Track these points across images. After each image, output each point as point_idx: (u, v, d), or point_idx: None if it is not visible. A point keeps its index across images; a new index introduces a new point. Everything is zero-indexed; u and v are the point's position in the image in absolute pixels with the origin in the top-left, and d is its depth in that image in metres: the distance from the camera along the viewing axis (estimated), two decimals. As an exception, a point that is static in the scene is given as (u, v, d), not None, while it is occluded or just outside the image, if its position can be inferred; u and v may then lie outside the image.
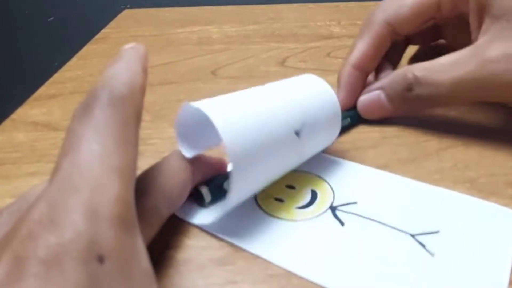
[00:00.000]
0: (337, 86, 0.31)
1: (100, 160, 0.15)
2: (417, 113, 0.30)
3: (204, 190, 0.22)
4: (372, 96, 0.29)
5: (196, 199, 0.22)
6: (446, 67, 0.25)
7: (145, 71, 0.19)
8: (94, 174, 0.14)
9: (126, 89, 0.17)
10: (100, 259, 0.13)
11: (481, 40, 0.25)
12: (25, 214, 0.14)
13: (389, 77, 0.28)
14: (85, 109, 0.16)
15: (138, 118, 0.17)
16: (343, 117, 0.28)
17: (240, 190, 0.20)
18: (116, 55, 0.19)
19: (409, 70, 0.27)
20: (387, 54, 0.32)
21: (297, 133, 0.22)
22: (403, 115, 0.29)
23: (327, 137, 0.25)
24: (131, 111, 0.17)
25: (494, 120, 0.30)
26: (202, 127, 0.21)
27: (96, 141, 0.15)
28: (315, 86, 0.24)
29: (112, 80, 0.17)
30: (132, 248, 0.14)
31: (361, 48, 0.30)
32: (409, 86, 0.27)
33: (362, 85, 0.30)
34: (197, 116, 0.20)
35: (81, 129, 0.15)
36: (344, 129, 0.29)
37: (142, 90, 0.18)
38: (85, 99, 0.17)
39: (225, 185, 0.22)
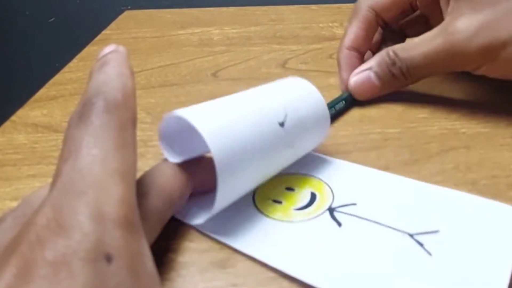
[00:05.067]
0: (338, 69, 0.35)
1: (101, 163, 0.15)
2: (401, 88, 0.32)
3: None
4: (362, 76, 0.32)
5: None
6: (418, 44, 0.30)
7: (132, 73, 0.19)
8: (96, 177, 0.14)
9: (120, 95, 0.17)
10: (108, 259, 0.13)
11: (446, 19, 0.29)
12: (31, 220, 0.14)
13: (374, 58, 0.32)
14: (81, 116, 0.16)
15: (134, 121, 0.17)
16: (338, 101, 0.31)
17: (228, 188, 0.20)
18: (100, 60, 0.19)
19: (389, 49, 0.31)
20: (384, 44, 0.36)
21: (282, 124, 0.22)
22: (389, 92, 0.32)
23: (317, 127, 0.24)
24: (127, 115, 0.17)
25: (495, 122, 0.29)
26: (188, 134, 0.21)
27: (95, 146, 0.15)
28: (296, 82, 0.25)
29: (105, 87, 0.17)
30: (137, 249, 0.14)
31: (351, 31, 0.34)
32: (393, 61, 0.31)
33: (359, 64, 0.33)
34: (181, 124, 0.20)
35: (79, 135, 0.15)
36: (341, 112, 0.31)
37: (134, 93, 0.18)
38: (79, 107, 0.16)
39: None
